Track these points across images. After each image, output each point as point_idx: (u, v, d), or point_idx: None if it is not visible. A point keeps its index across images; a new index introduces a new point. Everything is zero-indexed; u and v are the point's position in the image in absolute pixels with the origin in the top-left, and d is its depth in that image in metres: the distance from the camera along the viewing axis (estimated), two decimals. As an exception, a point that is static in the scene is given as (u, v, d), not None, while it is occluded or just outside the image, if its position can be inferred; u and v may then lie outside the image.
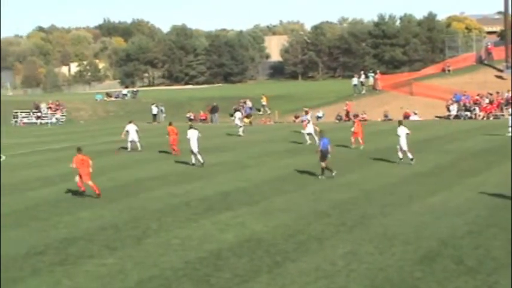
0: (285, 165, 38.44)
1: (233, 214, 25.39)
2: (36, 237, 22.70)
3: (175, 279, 17.73)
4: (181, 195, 30.08)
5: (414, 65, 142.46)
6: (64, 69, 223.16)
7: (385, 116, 72.57)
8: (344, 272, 17.79)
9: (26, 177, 37.73)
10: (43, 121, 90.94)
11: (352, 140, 44.88)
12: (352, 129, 45.23)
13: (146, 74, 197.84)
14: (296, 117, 76.27)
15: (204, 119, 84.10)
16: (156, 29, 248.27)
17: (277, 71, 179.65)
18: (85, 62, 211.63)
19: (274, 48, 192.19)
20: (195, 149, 39.79)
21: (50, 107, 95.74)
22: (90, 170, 30.35)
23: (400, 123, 38.22)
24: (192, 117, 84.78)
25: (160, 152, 46.88)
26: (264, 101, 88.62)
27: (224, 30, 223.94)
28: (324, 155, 33.42)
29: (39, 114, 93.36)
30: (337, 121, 74.43)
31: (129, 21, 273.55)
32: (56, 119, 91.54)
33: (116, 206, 28.00)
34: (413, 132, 40.30)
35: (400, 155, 36.62)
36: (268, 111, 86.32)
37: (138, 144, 48.09)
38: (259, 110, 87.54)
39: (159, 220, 24.79)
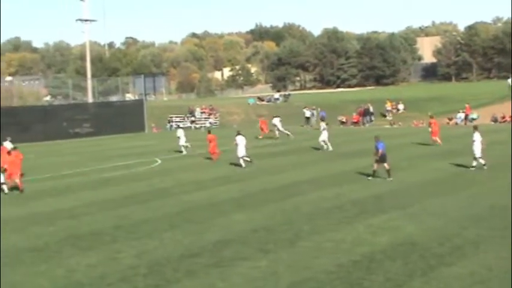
0: (437, 168, 37.77)
1: (386, 217, 25.11)
2: (191, 239, 23.13)
3: (328, 282, 17.66)
4: (333, 198, 30.03)
5: None
6: (217, 74, 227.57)
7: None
8: (499, 277, 17.25)
9: (180, 180, 38.58)
10: (197, 125, 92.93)
11: None
12: None
13: (298, 78, 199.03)
14: (450, 119, 74.86)
15: (356, 122, 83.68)
16: (307, 32, 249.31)
17: (430, 73, 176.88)
18: (237, 67, 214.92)
19: (427, 49, 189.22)
20: (241, 153, 43.07)
21: (203, 112, 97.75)
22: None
23: (475, 128, 37.26)
24: (344, 120, 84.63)
25: (311, 155, 46.99)
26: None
27: (375, 32, 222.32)
28: (382, 158, 34.67)
29: (193, 118, 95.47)
30: (492, 123, 72.46)
31: (280, 25, 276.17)
32: (210, 123, 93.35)
33: (268, 209, 28.22)
34: None
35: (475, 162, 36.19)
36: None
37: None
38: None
39: (311, 223, 24.80)
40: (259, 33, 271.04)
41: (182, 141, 53.40)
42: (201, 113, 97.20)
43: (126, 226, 25.79)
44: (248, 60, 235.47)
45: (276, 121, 63.13)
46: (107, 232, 24.77)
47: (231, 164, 44.63)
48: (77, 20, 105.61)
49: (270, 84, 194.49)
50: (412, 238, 21.70)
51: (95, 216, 28.24)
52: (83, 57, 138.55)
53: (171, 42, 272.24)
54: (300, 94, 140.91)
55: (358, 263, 19.21)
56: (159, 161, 48.92)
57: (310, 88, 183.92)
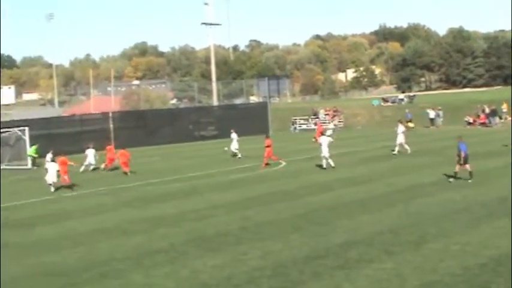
0: None
1: (514, 220, 24.41)
2: (316, 241, 23.06)
3: (454, 285, 17.29)
4: (459, 200, 29.41)
5: None
6: (341, 75, 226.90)
7: None
8: None
9: (305, 182, 38.58)
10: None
11: None
12: None
13: (423, 79, 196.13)
14: None
15: (483, 123, 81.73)
16: (433, 32, 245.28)
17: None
18: (361, 68, 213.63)
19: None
20: (326, 154, 43.46)
21: (327, 114, 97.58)
22: None
23: None
24: (471, 121, 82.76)
25: (435, 156, 46.17)
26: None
27: (502, 31, 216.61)
28: (465, 160, 34.57)
29: (317, 120, 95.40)
30: None
31: (405, 25, 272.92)
32: (334, 125, 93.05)
33: (393, 211, 27.90)
34: None
35: None
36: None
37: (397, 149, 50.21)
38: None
39: (437, 225, 24.35)
40: (383, 34, 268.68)
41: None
42: (325, 114, 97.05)
43: (251, 227, 25.96)
44: (372, 61, 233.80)
45: (400, 131, 52.82)
46: (233, 233, 24.98)
47: (352, 165, 44.37)
48: (201, 24, 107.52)
49: (395, 85, 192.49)
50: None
51: (220, 218, 28.54)
52: (207, 61, 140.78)
53: (294, 44, 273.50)
54: (425, 95, 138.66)
55: (485, 266, 18.76)
56: (284, 163, 49.07)
57: (435, 89, 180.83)
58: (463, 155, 34.59)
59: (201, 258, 21.38)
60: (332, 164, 43.38)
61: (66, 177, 41.83)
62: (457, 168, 34.88)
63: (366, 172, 41.40)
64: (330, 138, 44.94)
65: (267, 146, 48.27)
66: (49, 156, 48.87)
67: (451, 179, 34.84)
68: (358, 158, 49.94)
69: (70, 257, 22.59)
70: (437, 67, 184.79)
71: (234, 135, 57.79)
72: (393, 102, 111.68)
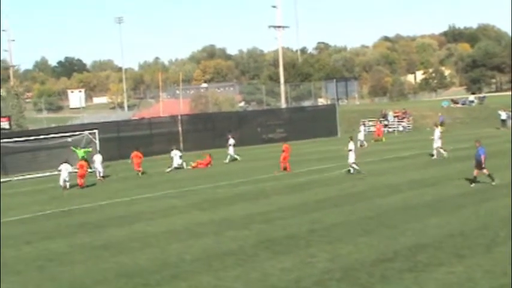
0: None
1: None
2: (385, 243, 22.97)
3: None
4: (532, 203, 28.98)
5: None
6: (410, 77, 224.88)
7: None
8: None
9: (373, 184, 38.40)
10: (390, 129, 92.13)
11: None
12: None
13: (493, 80, 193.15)
14: None
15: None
16: (503, 32, 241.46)
17: None
18: (431, 70, 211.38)
19: None
20: (352, 159, 43.73)
21: (396, 116, 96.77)
22: None
23: None
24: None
25: (506, 158, 45.45)
26: None
27: None
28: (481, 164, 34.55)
29: (386, 122, 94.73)
30: None
31: (474, 26, 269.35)
32: (403, 127, 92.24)
33: (463, 213, 27.62)
34: None
35: None
36: None
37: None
38: None
39: (507, 228, 24.00)
40: (453, 35, 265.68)
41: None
42: (394, 116, 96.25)
43: (319, 230, 25.96)
44: (441, 62, 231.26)
45: (437, 135, 51.47)
46: (301, 236, 25.02)
47: (425, 167, 44.01)
48: (269, 26, 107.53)
49: (465, 87, 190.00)
50: None
51: (288, 220, 28.60)
52: (276, 63, 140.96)
53: (363, 46, 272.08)
54: (495, 96, 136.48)
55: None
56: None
57: (506, 90, 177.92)
58: (481, 158, 34.63)
59: (270, 261, 21.47)
60: (357, 168, 43.91)
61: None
62: (476, 172, 35.02)
63: (434, 174, 40.99)
64: (358, 141, 45.01)
65: (284, 151, 48.71)
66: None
67: (472, 184, 34.84)
68: (427, 160, 49.46)
69: (141, 259, 22.92)
70: (508, 68, 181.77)
71: (231, 141, 60.13)
72: (463, 103, 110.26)
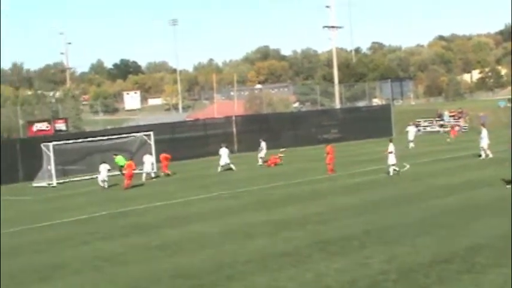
0: None
1: None
2: (442, 244, 22.70)
3: None
4: None
5: None
6: (466, 76, 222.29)
7: None
8: None
9: (430, 185, 38.04)
10: (446, 129, 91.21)
11: None
12: None
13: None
14: None
15: None
16: None
17: None
18: (487, 69, 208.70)
19: None
20: (392, 161, 43.39)
21: (452, 115, 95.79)
22: None
23: None
24: None
25: None
26: None
27: None
28: None
29: (442, 122, 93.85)
30: None
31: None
32: (459, 126, 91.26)
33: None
34: None
35: None
36: None
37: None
38: None
39: None
40: (509, 34, 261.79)
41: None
42: (450, 116, 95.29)
43: (374, 231, 25.77)
44: (498, 61, 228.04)
45: (484, 134, 51.09)
46: (356, 237, 24.85)
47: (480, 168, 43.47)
48: (323, 27, 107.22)
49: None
50: None
51: (343, 221, 28.46)
52: (330, 64, 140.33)
53: (418, 45, 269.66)
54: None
55: None
56: (408, 166, 48.49)
57: None
58: None
59: (324, 262, 21.36)
60: (397, 169, 43.77)
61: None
62: None
63: (491, 174, 40.39)
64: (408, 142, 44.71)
65: (328, 153, 48.62)
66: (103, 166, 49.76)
67: (508, 186, 34.12)
68: (484, 160, 48.83)
69: (196, 259, 22.99)
70: None
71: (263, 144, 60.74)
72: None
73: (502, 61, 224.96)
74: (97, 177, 49.96)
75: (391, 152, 43.79)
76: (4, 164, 59.42)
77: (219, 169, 54.80)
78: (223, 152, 55.54)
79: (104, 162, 49.42)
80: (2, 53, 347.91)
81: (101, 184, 48.67)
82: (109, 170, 49.82)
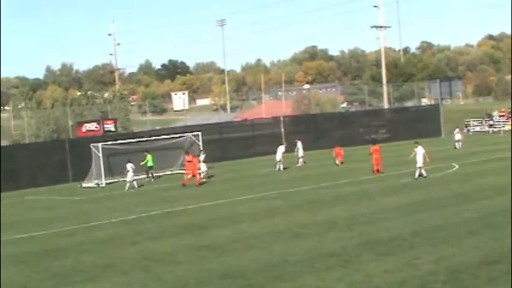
0: None
1: None
2: (491, 245, 22.50)
3: None
4: None
5: None
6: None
7: None
8: None
9: (479, 185, 37.72)
10: (495, 129, 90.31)
11: None
12: None
13: None
14: None
15: None
16: None
17: None
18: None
19: None
20: (419, 164, 42.82)
21: (502, 115, 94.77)
22: None
23: None
24: None
25: None
26: None
27: None
28: None
29: (491, 122, 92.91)
30: None
31: None
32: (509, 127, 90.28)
33: None
34: None
35: None
36: None
37: None
38: None
39: None
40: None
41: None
42: (499, 116, 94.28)
43: (423, 232, 25.64)
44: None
45: None
46: (404, 238, 24.75)
47: None
48: (371, 27, 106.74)
49: None
50: None
51: (392, 222, 28.37)
52: (378, 64, 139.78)
53: (467, 45, 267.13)
54: None
55: None
56: (456, 166, 48.11)
57: None
58: None
59: (373, 262, 21.32)
60: (424, 173, 42.99)
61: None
62: None
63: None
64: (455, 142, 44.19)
65: (373, 153, 48.48)
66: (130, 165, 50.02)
67: None
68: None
69: (244, 259, 23.09)
70: None
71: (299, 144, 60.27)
72: None
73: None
74: (144, 177, 50.29)
75: (418, 155, 43.42)
76: (54, 165, 60.29)
77: (277, 167, 55.41)
78: (280, 149, 55.94)
79: (130, 162, 49.89)
80: (52, 54, 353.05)
81: (129, 183, 49.16)
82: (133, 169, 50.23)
